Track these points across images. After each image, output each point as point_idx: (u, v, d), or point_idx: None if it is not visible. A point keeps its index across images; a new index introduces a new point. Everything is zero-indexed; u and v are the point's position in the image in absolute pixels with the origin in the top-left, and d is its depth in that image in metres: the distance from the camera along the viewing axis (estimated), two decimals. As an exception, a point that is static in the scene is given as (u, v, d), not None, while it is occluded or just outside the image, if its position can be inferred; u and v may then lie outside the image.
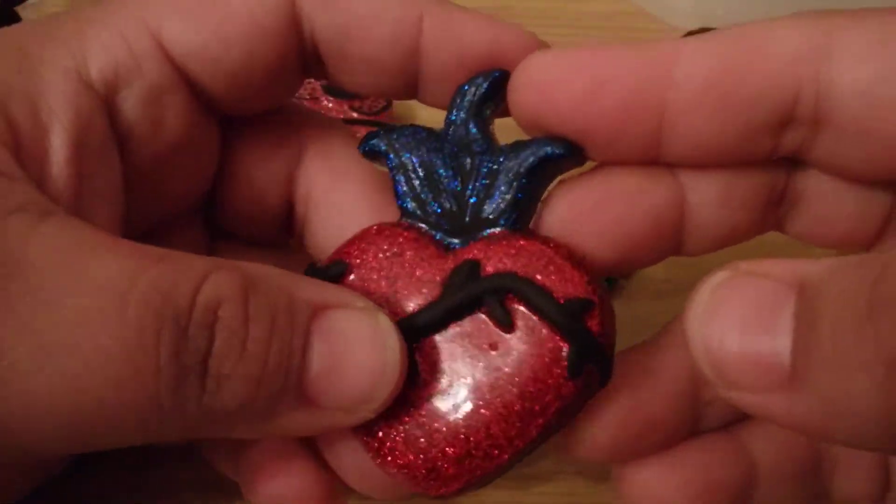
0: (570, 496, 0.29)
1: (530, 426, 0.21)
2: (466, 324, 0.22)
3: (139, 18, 0.23)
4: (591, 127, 0.21)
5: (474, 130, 0.23)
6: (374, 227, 0.23)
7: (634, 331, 0.24)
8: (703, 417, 0.24)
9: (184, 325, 0.19)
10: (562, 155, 0.22)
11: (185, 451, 0.29)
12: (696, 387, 0.23)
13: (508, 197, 0.22)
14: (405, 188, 0.23)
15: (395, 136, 0.23)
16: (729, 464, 0.24)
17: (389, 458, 0.22)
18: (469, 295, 0.22)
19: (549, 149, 0.22)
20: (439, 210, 0.23)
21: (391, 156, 0.23)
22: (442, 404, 0.22)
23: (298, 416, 0.20)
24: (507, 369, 0.21)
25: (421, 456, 0.22)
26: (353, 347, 0.20)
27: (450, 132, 0.23)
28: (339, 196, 0.26)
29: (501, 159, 0.22)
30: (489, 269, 0.22)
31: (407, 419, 0.22)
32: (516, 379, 0.21)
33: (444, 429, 0.21)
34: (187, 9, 0.23)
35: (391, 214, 0.24)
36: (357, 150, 0.24)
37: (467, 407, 0.21)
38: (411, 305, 0.22)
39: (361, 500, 0.25)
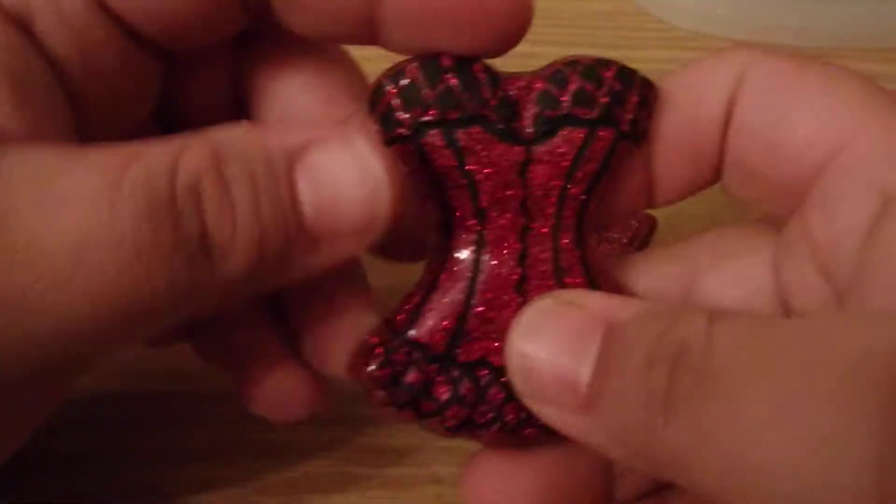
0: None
1: None
2: None
3: None
4: None
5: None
6: None
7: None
8: (617, 489, 0.24)
9: (174, 211, 0.19)
10: None
11: (185, 447, 0.29)
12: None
13: None
14: None
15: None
16: None
17: None
18: None
19: None
20: None
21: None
22: None
23: (314, 257, 0.21)
24: None
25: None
26: (338, 178, 0.21)
27: None
28: (287, 92, 0.25)
29: None
30: None
31: None
32: None
33: None
34: None
35: (343, 106, 0.24)
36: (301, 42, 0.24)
37: None
38: None
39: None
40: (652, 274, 0.24)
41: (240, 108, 0.26)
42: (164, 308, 0.20)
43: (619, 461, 0.19)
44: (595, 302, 0.20)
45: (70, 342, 0.19)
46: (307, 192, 0.21)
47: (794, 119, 0.22)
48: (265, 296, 0.26)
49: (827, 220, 0.21)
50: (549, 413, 0.20)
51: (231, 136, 0.21)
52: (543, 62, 0.23)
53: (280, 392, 0.26)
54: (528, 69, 0.23)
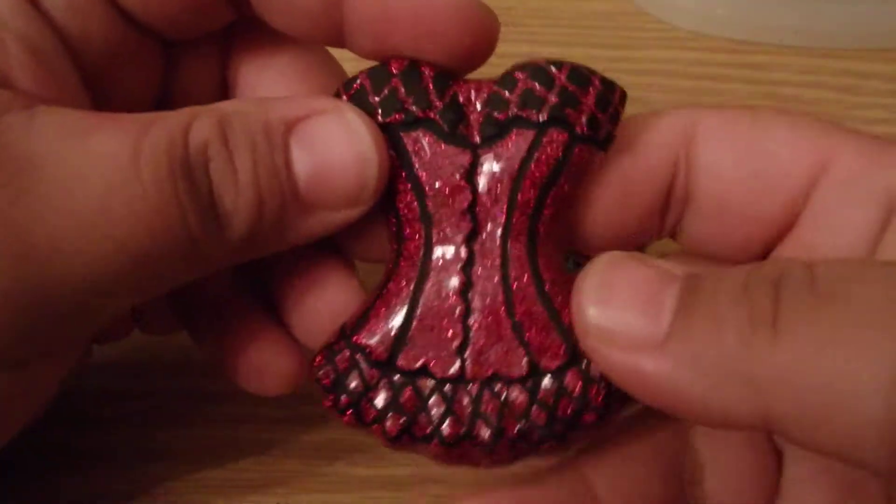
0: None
1: None
2: None
3: None
4: None
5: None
6: None
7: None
8: None
9: (189, 173, 0.21)
10: None
11: (184, 447, 0.29)
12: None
13: None
14: None
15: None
16: None
17: None
18: None
19: None
20: None
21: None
22: None
23: (308, 222, 0.22)
24: None
25: None
26: (330, 147, 0.22)
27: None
28: (264, 84, 0.26)
29: None
30: None
31: None
32: None
33: None
34: None
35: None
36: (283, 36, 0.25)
37: None
38: None
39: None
40: None
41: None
42: (174, 263, 0.21)
43: (687, 404, 0.18)
44: (667, 262, 0.20)
45: (92, 287, 0.20)
46: (301, 160, 0.22)
47: (769, 150, 0.23)
48: (254, 265, 0.26)
49: (828, 234, 0.22)
50: (617, 360, 0.19)
51: (235, 107, 0.22)
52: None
53: (263, 364, 0.26)
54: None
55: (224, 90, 0.27)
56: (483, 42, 0.23)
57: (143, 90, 0.26)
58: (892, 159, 0.22)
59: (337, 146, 0.22)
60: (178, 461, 0.29)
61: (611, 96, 0.22)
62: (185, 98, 0.27)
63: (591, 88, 0.22)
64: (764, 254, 0.24)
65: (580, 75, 0.22)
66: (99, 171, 0.20)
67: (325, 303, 0.25)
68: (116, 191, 0.20)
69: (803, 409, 0.17)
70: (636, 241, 0.24)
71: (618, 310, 0.19)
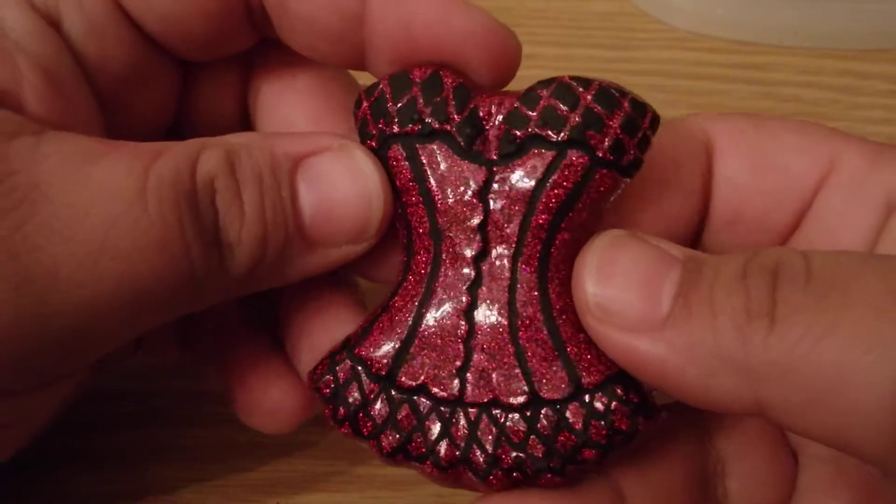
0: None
1: None
2: None
3: None
4: None
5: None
6: None
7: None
8: None
9: (195, 206, 0.21)
10: None
11: (184, 447, 0.29)
12: None
13: None
14: None
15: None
16: None
17: None
18: None
19: None
20: None
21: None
22: None
23: (310, 259, 0.22)
24: None
25: None
26: (336, 185, 0.22)
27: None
28: (284, 107, 0.26)
29: None
30: None
31: None
32: None
33: None
34: None
35: (335, 123, 0.25)
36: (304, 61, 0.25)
37: None
38: None
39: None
40: None
41: (248, 126, 0.27)
42: (177, 296, 0.21)
43: (681, 385, 0.19)
44: (668, 243, 0.20)
45: (91, 319, 0.20)
46: (307, 196, 0.22)
47: (782, 161, 0.23)
48: (262, 302, 0.26)
49: (830, 233, 0.22)
50: (615, 341, 0.19)
51: (244, 141, 0.22)
52: (542, 62, 0.23)
53: (267, 403, 0.26)
54: (527, 70, 0.23)
55: (243, 113, 0.27)
56: (505, 65, 0.22)
57: (159, 112, 0.26)
58: (892, 161, 0.22)
59: (343, 184, 0.22)
60: (178, 461, 0.29)
61: (640, 120, 0.21)
62: (204, 120, 0.27)
63: (618, 111, 0.21)
64: None
65: (608, 96, 0.21)
66: (103, 203, 0.20)
67: (330, 341, 0.24)
68: (120, 223, 0.20)
69: (798, 398, 0.17)
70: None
71: (617, 289, 0.19)
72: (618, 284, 0.19)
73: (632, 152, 0.21)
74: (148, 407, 0.30)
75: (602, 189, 0.21)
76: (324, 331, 0.25)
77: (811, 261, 0.18)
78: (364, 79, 0.25)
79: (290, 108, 0.26)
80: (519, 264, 0.21)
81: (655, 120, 0.21)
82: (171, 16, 0.24)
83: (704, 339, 0.18)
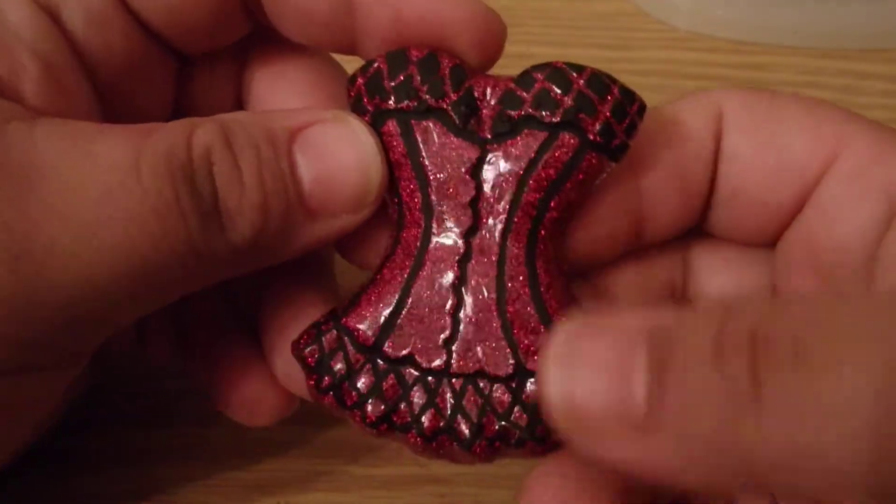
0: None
1: None
2: None
3: None
4: None
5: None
6: None
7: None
8: None
9: (190, 178, 0.21)
10: None
11: (185, 447, 0.29)
12: None
13: None
14: None
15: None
16: None
17: None
18: None
19: None
20: None
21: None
22: None
23: (311, 229, 0.22)
24: None
25: None
26: (333, 153, 0.22)
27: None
28: (276, 97, 0.26)
29: None
30: None
31: None
32: None
33: None
34: None
35: (322, 105, 0.25)
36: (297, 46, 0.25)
37: None
38: None
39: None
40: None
41: None
42: (174, 270, 0.21)
43: (685, 486, 0.17)
44: (625, 316, 0.18)
45: (88, 297, 0.20)
46: (305, 166, 0.22)
47: (785, 141, 0.23)
48: (244, 300, 0.27)
49: (830, 224, 0.22)
50: (606, 450, 0.17)
51: (237, 118, 0.22)
52: (541, 62, 0.23)
53: (250, 396, 0.26)
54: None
55: (238, 107, 0.27)
56: (491, 47, 0.23)
57: (157, 106, 0.26)
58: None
59: (340, 152, 0.22)
60: (178, 461, 0.29)
61: (629, 107, 0.22)
62: (200, 113, 0.27)
63: (609, 96, 0.22)
64: (774, 239, 0.24)
65: (599, 82, 0.22)
66: (98, 177, 0.20)
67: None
68: (115, 196, 0.20)
69: (789, 472, 0.16)
70: (683, 228, 0.24)
71: (587, 391, 0.17)
72: (586, 384, 0.17)
73: (620, 137, 0.22)
74: (148, 407, 0.30)
75: (590, 170, 0.22)
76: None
77: (789, 324, 0.16)
78: (355, 66, 0.25)
79: (282, 98, 0.26)
80: (508, 240, 0.22)
81: (642, 107, 0.22)
82: (171, 5, 0.24)
83: (693, 440, 0.16)
